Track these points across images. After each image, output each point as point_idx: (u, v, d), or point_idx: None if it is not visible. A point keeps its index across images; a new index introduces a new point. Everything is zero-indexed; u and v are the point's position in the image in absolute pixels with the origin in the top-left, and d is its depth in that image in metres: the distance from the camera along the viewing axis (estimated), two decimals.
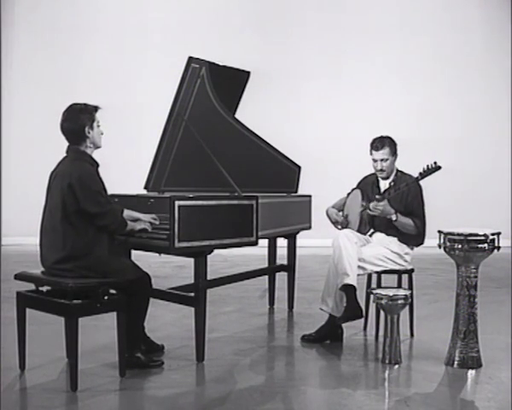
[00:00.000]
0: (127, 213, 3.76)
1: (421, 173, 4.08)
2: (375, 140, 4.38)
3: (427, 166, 4.06)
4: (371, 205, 4.22)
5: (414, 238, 4.31)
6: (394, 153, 4.37)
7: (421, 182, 4.20)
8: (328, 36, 9.98)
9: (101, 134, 3.69)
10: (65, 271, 3.45)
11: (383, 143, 4.33)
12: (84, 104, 3.66)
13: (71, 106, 3.66)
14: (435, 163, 4.04)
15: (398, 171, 4.42)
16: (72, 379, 3.34)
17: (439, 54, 10.03)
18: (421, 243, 4.36)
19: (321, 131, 9.85)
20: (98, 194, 3.50)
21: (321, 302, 4.33)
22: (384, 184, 4.41)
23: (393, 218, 4.22)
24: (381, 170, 4.36)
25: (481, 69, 10.05)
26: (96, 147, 3.67)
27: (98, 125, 3.66)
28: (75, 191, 3.44)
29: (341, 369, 3.83)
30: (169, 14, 9.96)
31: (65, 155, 3.66)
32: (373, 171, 4.47)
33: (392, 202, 4.25)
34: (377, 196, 4.26)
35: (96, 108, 3.68)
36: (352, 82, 9.93)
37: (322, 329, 4.33)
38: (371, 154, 4.37)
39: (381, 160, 4.33)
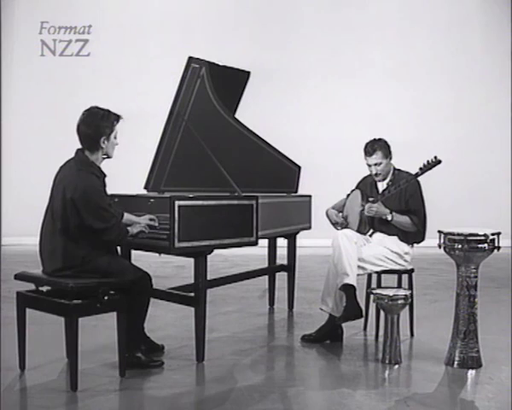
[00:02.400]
0: (127, 217, 3.74)
1: (421, 168, 4.08)
2: (366, 145, 4.36)
3: (428, 160, 4.06)
4: (366, 207, 4.23)
5: (414, 235, 4.31)
6: (388, 155, 4.34)
7: (422, 181, 4.19)
8: (327, 35, 9.98)
9: (116, 145, 3.60)
10: (65, 276, 3.44)
11: (374, 147, 4.31)
12: (108, 111, 3.55)
13: (94, 109, 3.54)
14: (435, 157, 4.04)
15: (395, 169, 4.41)
16: (72, 379, 3.34)
17: (438, 54, 10.03)
18: (422, 240, 4.35)
19: (321, 131, 9.86)
20: (103, 210, 3.45)
21: (321, 302, 4.33)
22: (382, 185, 4.41)
23: (389, 218, 4.22)
24: (376, 174, 4.36)
25: (481, 69, 10.05)
26: (108, 157, 3.61)
27: (115, 137, 3.57)
28: (78, 207, 3.39)
29: (341, 369, 3.83)
30: (169, 14, 9.96)
31: (73, 155, 3.58)
32: None
33: (392, 201, 4.25)
34: (370, 199, 4.27)
35: (118, 118, 3.57)
36: (351, 82, 9.93)
37: (322, 329, 4.33)
38: (365, 159, 4.37)
39: (375, 164, 4.32)
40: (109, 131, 3.53)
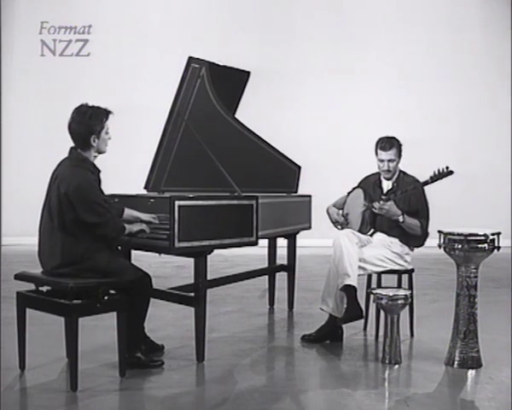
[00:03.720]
0: (128, 212, 3.75)
1: (431, 177, 4.04)
2: (383, 140, 4.32)
3: (439, 170, 4.01)
4: (377, 205, 4.20)
5: (416, 239, 4.30)
6: (400, 154, 4.34)
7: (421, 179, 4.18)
8: (328, 35, 9.98)
9: (109, 139, 3.60)
10: (64, 275, 3.44)
11: (392, 143, 4.29)
12: (97, 108, 3.55)
13: (82, 107, 3.55)
14: (447, 168, 3.99)
15: (400, 171, 4.40)
16: (72, 379, 3.34)
17: (439, 54, 10.02)
18: (422, 245, 4.35)
19: (321, 131, 9.86)
20: (97, 204, 3.45)
21: (321, 302, 4.33)
22: (387, 185, 4.39)
23: (400, 219, 4.19)
24: (388, 170, 4.33)
25: (481, 69, 10.05)
26: (101, 153, 3.63)
27: (107, 133, 3.57)
28: (72, 201, 3.40)
29: (341, 369, 3.83)
30: (169, 14, 9.96)
31: (67, 155, 3.60)
32: (374, 170, 4.46)
33: (397, 204, 4.23)
34: (383, 197, 4.25)
35: (107, 114, 3.56)
36: (352, 82, 9.93)
37: (322, 329, 4.32)
38: (377, 154, 4.33)
39: (389, 160, 4.29)
40: (99, 128, 3.53)
